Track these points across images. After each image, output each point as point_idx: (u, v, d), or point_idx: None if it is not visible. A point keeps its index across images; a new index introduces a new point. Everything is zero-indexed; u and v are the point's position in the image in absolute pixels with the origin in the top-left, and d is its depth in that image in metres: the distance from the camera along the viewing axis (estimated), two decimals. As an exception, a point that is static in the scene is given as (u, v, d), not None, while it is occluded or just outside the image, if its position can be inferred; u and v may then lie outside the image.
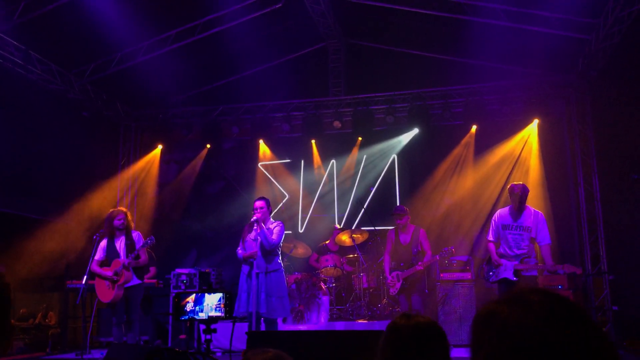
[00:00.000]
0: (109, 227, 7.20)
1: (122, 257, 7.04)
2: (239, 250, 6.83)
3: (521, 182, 6.88)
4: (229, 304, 3.96)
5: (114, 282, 6.97)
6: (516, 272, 6.53)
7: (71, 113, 10.32)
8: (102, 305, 7.83)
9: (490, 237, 6.83)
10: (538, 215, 6.70)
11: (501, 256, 6.69)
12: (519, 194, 6.61)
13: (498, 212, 6.92)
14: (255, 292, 6.44)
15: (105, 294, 7.04)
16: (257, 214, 6.66)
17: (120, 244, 7.18)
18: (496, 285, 6.83)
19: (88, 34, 8.99)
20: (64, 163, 9.54)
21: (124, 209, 7.45)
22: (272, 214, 7.11)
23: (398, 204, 10.58)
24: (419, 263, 7.69)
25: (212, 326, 4.00)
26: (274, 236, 6.64)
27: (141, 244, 7.08)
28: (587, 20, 8.65)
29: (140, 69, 10.14)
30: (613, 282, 9.27)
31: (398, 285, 7.70)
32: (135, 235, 7.27)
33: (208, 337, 3.96)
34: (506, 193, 10.06)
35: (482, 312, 1.19)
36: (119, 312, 7.08)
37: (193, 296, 4.05)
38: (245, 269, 6.75)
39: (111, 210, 7.45)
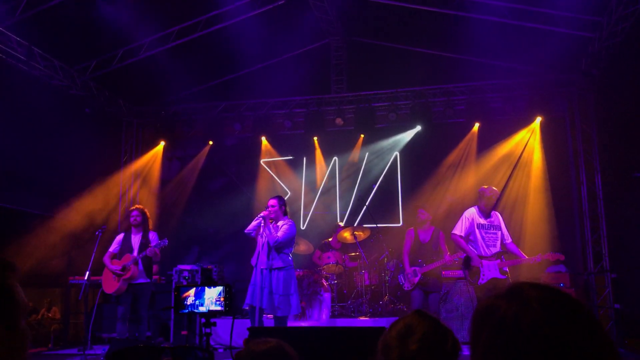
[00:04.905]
0: (126, 222, 7.61)
1: (135, 253, 7.22)
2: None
3: (492, 186, 7.01)
4: (229, 297, 3.96)
5: (119, 275, 7.18)
6: (501, 270, 6.66)
7: (74, 109, 10.32)
8: (103, 300, 7.89)
9: (462, 233, 6.82)
10: (500, 216, 6.97)
11: (481, 258, 6.73)
12: (493, 197, 6.84)
13: (470, 210, 6.97)
14: (259, 287, 6.46)
15: (110, 284, 7.28)
16: (265, 211, 6.68)
17: (135, 241, 7.41)
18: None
19: (91, 30, 8.98)
20: (66, 159, 9.53)
21: (140, 207, 7.69)
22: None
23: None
24: (447, 255, 7.65)
25: (212, 320, 4.01)
26: (280, 233, 6.59)
27: (155, 244, 7.28)
28: (590, 19, 8.62)
29: (143, 65, 10.13)
30: (615, 281, 9.25)
31: (415, 280, 7.67)
32: (151, 235, 7.49)
33: (207, 330, 3.97)
34: (508, 190, 10.10)
35: (481, 306, 1.18)
36: (125, 307, 7.23)
37: (193, 290, 4.05)
38: (253, 262, 6.76)
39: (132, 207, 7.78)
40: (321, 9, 10.09)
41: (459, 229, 6.86)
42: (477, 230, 6.79)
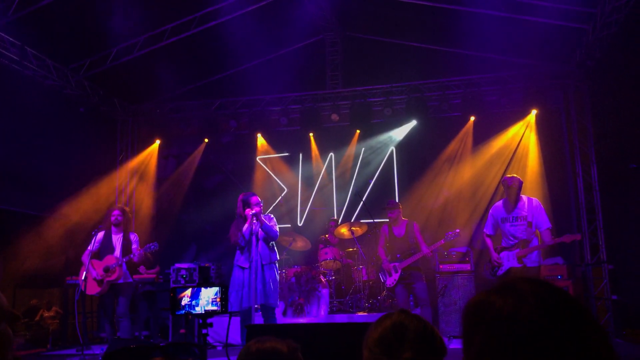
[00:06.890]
0: (106, 221, 7.43)
1: (117, 253, 7.14)
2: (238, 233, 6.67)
3: (514, 175, 6.84)
4: (225, 298, 3.97)
5: (100, 280, 7.13)
6: (519, 259, 6.53)
7: (68, 109, 10.29)
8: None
9: (489, 232, 6.84)
10: (533, 202, 6.65)
11: (502, 249, 6.68)
12: (515, 187, 6.62)
13: (494, 205, 6.92)
14: (254, 285, 6.34)
15: (92, 286, 7.19)
16: (257, 208, 6.61)
17: (116, 241, 7.31)
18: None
19: (84, 29, 8.96)
20: (61, 159, 9.51)
21: (122, 206, 7.71)
22: (270, 208, 7.18)
23: (394, 198, 10.60)
24: (423, 247, 7.60)
25: (208, 320, 4.01)
26: (275, 228, 6.72)
27: (139, 246, 7.32)
28: (584, 10, 8.61)
29: (137, 63, 10.10)
30: (612, 272, 9.28)
31: (396, 276, 7.66)
32: (132, 236, 7.44)
33: (204, 331, 3.97)
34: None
35: (473, 302, 1.17)
36: (108, 309, 7.23)
37: (189, 290, 4.06)
38: (245, 264, 6.57)
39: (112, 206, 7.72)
40: (316, 4, 10.07)
41: (487, 228, 6.88)
42: (502, 225, 6.69)
